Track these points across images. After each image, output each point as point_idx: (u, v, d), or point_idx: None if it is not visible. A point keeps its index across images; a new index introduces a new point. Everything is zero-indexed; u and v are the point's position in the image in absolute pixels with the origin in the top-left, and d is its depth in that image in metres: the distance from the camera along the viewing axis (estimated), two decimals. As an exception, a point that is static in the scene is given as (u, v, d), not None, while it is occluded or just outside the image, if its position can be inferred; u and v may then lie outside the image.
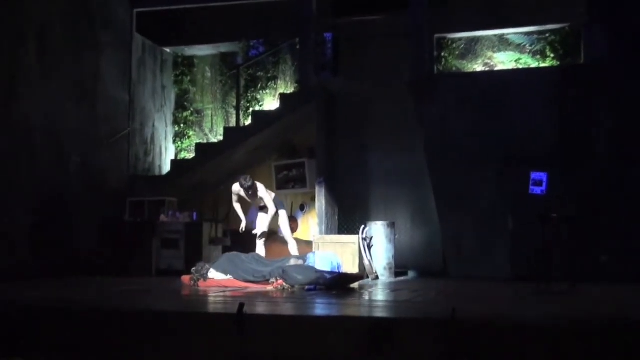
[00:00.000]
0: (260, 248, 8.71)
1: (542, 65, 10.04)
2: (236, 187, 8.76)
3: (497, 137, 9.36)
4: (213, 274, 7.86)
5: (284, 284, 7.38)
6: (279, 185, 11.30)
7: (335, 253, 8.60)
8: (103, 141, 10.55)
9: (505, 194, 9.24)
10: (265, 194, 8.73)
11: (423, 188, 10.12)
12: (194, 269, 7.92)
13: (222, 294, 6.86)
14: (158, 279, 9.34)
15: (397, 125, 10.48)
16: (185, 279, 8.00)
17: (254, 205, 9.07)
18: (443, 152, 9.62)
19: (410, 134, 10.22)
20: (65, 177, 9.76)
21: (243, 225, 8.82)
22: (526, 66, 10.09)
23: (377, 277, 9.17)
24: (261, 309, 5.47)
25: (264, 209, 8.83)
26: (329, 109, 10.46)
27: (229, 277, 7.84)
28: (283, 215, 8.86)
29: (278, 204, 8.84)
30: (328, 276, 7.43)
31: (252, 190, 8.63)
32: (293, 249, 8.69)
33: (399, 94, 10.26)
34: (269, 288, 7.42)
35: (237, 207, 8.87)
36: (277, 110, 10.99)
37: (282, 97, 11.07)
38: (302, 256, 8.10)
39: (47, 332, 5.01)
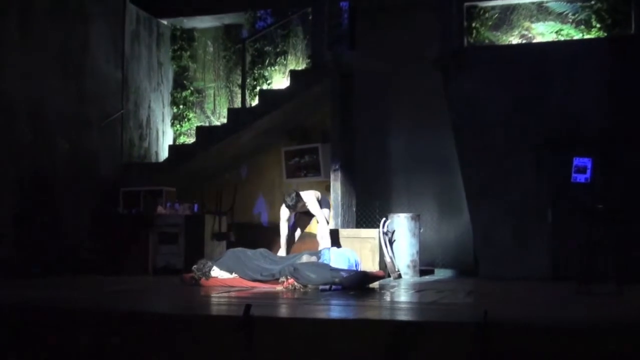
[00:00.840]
0: (283, 249, 8.67)
1: (587, 36, 9.93)
2: (284, 212, 8.66)
3: (536, 118, 9.29)
4: (216, 272, 7.90)
5: (295, 283, 7.40)
6: (290, 173, 11.33)
7: (353, 249, 8.61)
8: (93, 124, 10.61)
9: (544, 182, 9.18)
10: (314, 203, 8.66)
11: (451, 176, 10.08)
12: (195, 266, 7.96)
13: (226, 294, 6.89)
14: (155, 277, 9.40)
15: (421, 106, 10.43)
16: (186, 277, 8.04)
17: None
18: (474, 135, 9.57)
19: (437, 115, 10.17)
20: (51, 164, 9.83)
21: (283, 252, 8.63)
22: (569, 38, 10.00)
23: (399, 276, 9.17)
24: (270, 311, 5.49)
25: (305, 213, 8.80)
26: (345, 88, 10.44)
27: (234, 275, 7.88)
28: (326, 214, 8.84)
29: (323, 203, 8.84)
30: (344, 275, 7.44)
31: (300, 205, 8.57)
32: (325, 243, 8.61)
33: (423, 70, 10.19)
34: (279, 288, 7.45)
35: (283, 232, 8.67)
36: (287, 89, 10.97)
37: (293, 74, 11.06)
38: (316, 252, 8.11)
39: (31, 336, 5.06)
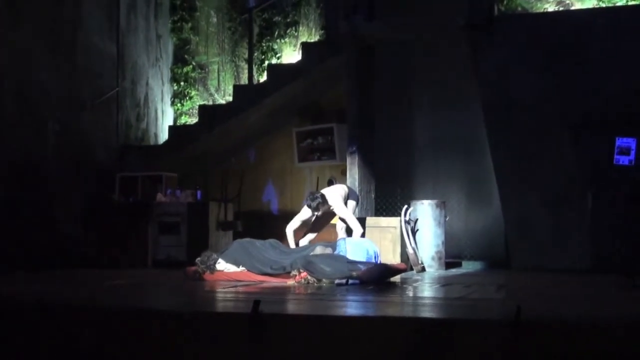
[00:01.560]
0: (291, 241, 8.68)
1: (632, 2, 9.83)
2: (305, 212, 8.64)
3: (574, 95, 9.23)
4: (222, 265, 7.93)
5: (309, 277, 7.42)
6: (302, 156, 11.33)
7: (372, 239, 8.60)
8: (86, 103, 10.64)
9: (584, 165, 9.13)
10: (340, 206, 8.62)
11: (481, 158, 10.05)
12: (198, 259, 8.00)
13: (233, 289, 6.92)
14: (155, 271, 9.45)
15: (448, 81, 10.39)
16: (188, 271, 8.08)
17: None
18: (506, 113, 9.53)
19: (465, 92, 10.13)
20: (41, 147, 9.87)
21: (292, 245, 8.59)
22: (611, 4, 9.89)
23: (423, 269, 9.17)
24: (281, 307, 5.51)
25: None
26: (362, 62, 10.39)
27: (241, 268, 7.90)
28: (351, 207, 8.82)
29: (351, 195, 8.85)
30: (362, 268, 7.44)
31: (324, 208, 8.54)
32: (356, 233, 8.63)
33: (450, 42, 10.14)
34: (290, 282, 7.47)
35: (293, 224, 8.65)
36: (299, 63, 10.95)
37: (305, 47, 11.03)
38: (331, 244, 8.12)
39: (20, 335, 5.10)
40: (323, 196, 8.57)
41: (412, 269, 9.05)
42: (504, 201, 9.61)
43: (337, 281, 7.30)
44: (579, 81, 9.25)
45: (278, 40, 11.90)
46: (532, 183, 9.41)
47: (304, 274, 7.47)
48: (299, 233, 8.85)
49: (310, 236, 8.90)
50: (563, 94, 9.29)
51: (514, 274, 8.91)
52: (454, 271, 9.43)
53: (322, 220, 8.99)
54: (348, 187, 9.16)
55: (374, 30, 10.45)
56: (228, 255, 7.97)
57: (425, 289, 7.18)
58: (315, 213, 8.60)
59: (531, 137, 9.43)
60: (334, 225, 9.13)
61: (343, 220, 8.78)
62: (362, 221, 8.94)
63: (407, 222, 9.23)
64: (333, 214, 8.85)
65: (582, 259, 9.03)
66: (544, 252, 9.32)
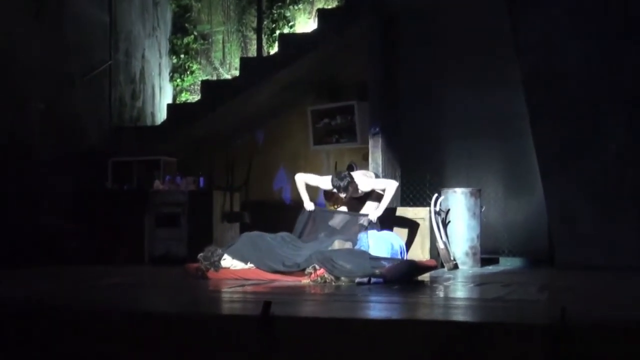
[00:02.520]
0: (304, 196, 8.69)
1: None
2: (325, 182, 8.63)
3: (629, 67, 9.17)
4: (228, 261, 7.97)
5: (326, 275, 7.44)
6: (318, 139, 11.34)
7: (398, 232, 8.61)
8: (74, 79, 10.69)
9: (639, 147, 9.09)
10: (367, 182, 8.60)
11: (521, 140, 10.02)
12: (201, 255, 8.03)
13: (240, 289, 6.96)
14: (153, 268, 9.52)
15: (483, 51, 10.35)
16: (190, 268, 8.12)
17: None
18: (550, 89, 9.49)
19: (503, 64, 10.09)
20: (24, 129, 9.94)
21: (308, 205, 8.66)
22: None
23: (455, 266, 9.19)
24: (294, 309, 5.53)
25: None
26: (386, 31, 10.39)
27: (249, 265, 7.94)
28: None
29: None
30: (387, 265, 7.47)
31: (350, 190, 8.50)
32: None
33: (486, 7, 10.09)
34: (305, 281, 7.50)
35: (308, 179, 8.71)
36: (314, 33, 10.95)
37: (321, 14, 11.03)
38: (351, 237, 8.15)
39: (5, 342, 5.16)
40: (351, 177, 8.50)
41: (442, 266, 9.06)
42: (547, 189, 9.58)
43: (357, 280, 7.32)
44: (635, 52, 9.19)
45: (291, 7, 11.91)
46: (580, 168, 9.37)
47: (320, 271, 7.50)
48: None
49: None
50: (616, 66, 9.23)
51: (558, 272, 8.90)
52: (490, 268, 9.44)
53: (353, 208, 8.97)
54: (374, 174, 9.15)
55: (400, -6, 10.45)
56: (235, 251, 8.01)
57: (458, 289, 7.19)
58: (342, 195, 8.53)
59: (579, 116, 9.37)
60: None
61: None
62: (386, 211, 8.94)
63: (438, 213, 9.24)
64: (362, 202, 8.79)
65: (637, 255, 9.00)
66: (592, 247, 9.29)
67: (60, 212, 10.10)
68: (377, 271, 7.36)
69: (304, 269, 7.66)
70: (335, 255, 7.59)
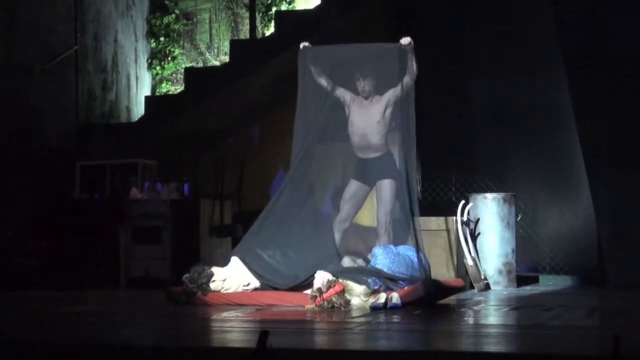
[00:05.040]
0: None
1: None
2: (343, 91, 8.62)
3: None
4: (218, 284, 7.95)
5: (333, 299, 7.43)
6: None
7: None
8: (33, 68, 10.69)
9: None
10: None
11: (564, 136, 10.02)
12: (186, 276, 8.04)
13: (232, 316, 6.97)
14: (129, 292, 9.52)
15: (517, 33, 10.35)
16: (174, 292, 8.13)
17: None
18: (597, 76, 9.48)
19: (541, 50, 10.09)
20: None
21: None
22: None
23: (487, 287, 9.17)
24: (296, 340, 5.55)
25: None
26: (402, 8, 10.38)
27: (248, 287, 7.96)
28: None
29: None
30: (405, 286, 7.46)
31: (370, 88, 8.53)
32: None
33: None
34: (309, 306, 7.48)
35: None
36: (317, 10, 10.95)
37: (326, -13, 11.04)
38: (363, 252, 8.16)
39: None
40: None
41: (472, 287, 9.06)
42: (596, 194, 9.57)
43: (371, 304, 7.33)
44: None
45: (289, -20, 11.94)
46: (635, 170, 9.36)
47: (327, 294, 7.49)
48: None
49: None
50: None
51: (611, 294, 8.89)
52: (528, 289, 9.42)
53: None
54: None
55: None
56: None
57: (490, 314, 7.20)
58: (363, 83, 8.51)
59: (632, 109, 9.38)
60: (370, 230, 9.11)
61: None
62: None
63: (466, 224, 9.23)
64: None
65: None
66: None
67: (16, 227, 10.09)
68: (394, 294, 7.36)
69: (302, 282, 7.72)
70: (345, 275, 7.60)
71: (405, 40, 8.44)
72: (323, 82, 8.61)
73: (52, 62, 10.91)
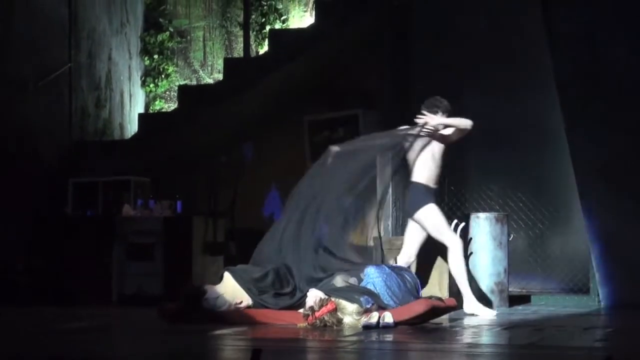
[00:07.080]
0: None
1: None
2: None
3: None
4: (211, 302, 7.96)
5: (325, 317, 7.45)
6: (316, 153, 11.32)
7: (410, 266, 8.64)
8: (27, 85, 10.71)
9: None
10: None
11: (555, 154, 10.03)
12: (180, 293, 8.06)
13: (225, 333, 6.99)
14: (122, 310, 9.51)
15: (510, 51, 10.38)
16: (166, 310, 8.13)
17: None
18: (590, 93, 9.50)
19: (534, 66, 10.13)
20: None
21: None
22: None
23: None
24: (288, 358, 5.55)
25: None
26: (399, 27, 10.42)
27: (241, 305, 7.98)
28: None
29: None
30: (397, 305, 7.49)
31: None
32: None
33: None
34: (301, 324, 7.49)
35: None
36: (312, 28, 10.99)
37: (320, 6, 11.09)
38: (355, 272, 8.19)
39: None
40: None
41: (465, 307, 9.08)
42: (587, 212, 9.59)
43: (364, 322, 7.34)
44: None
45: (283, -1, 11.98)
46: (628, 188, 9.39)
47: (319, 312, 7.50)
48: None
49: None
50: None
51: (604, 312, 8.90)
52: (520, 309, 9.40)
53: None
54: None
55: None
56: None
57: (483, 333, 7.20)
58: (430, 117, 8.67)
59: (626, 125, 9.40)
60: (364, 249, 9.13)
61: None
62: (395, 242, 8.97)
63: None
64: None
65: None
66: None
67: (10, 244, 10.09)
68: (387, 313, 7.37)
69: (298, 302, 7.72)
70: (336, 294, 7.61)
71: (421, 121, 8.62)
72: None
73: (46, 79, 10.94)
